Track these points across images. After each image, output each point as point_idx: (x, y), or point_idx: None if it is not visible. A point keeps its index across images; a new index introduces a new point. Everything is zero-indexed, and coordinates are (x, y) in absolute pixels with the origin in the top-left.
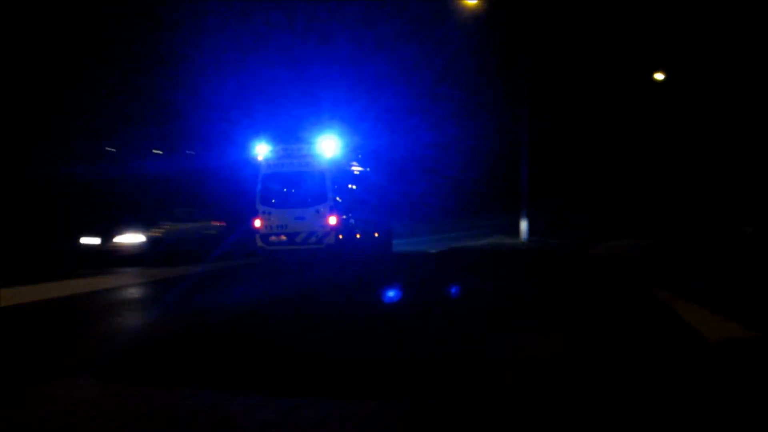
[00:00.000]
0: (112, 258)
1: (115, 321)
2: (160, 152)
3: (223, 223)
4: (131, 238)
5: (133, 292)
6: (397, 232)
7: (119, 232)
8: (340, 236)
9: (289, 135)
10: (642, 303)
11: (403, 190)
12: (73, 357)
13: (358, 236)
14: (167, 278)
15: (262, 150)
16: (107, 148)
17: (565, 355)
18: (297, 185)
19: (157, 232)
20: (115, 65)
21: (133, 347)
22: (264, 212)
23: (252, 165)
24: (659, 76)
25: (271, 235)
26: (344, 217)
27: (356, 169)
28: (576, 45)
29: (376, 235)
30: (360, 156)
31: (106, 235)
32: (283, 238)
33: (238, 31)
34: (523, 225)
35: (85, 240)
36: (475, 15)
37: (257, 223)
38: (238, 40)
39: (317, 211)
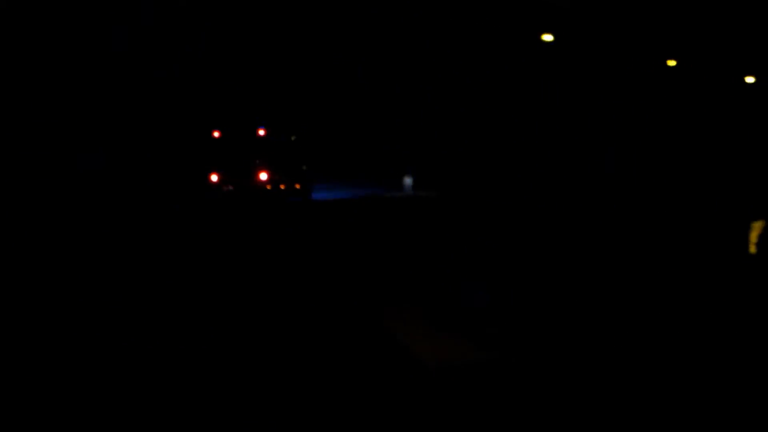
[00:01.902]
0: None
1: None
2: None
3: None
4: None
5: None
6: (318, 186)
7: None
8: (269, 186)
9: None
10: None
11: (321, 156)
12: None
13: (282, 186)
14: None
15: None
16: None
17: None
18: (245, 153)
19: None
20: None
21: None
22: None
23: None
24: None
25: (224, 185)
26: (273, 174)
27: (284, 141)
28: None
29: (298, 186)
30: (288, 132)
31: None
32: (231, 187)
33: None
34: (407, 180)
35: None
36: None
37: (213, 177)
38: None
39: (255, 169)
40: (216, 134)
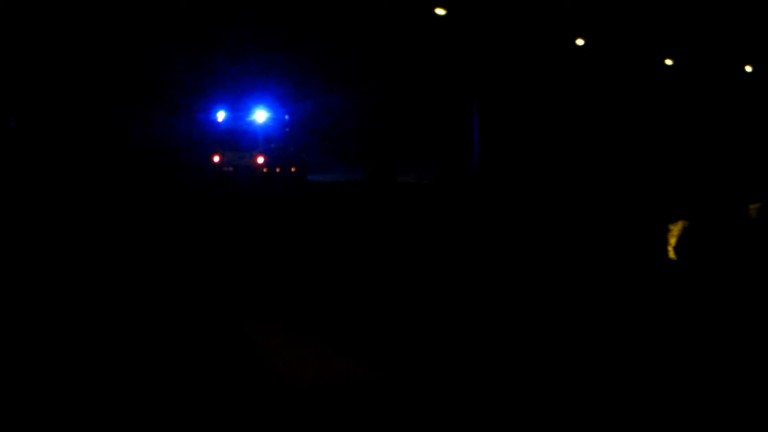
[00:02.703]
0: None
1: None
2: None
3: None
4: None
5: None
6: (314, 171)
7: None
8: (265, 169)
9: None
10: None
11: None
12: None
13: (278, 170)
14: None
15: (221, 115)
16: None
17: None
18: (241, 138)
19: None
20: None
21: None
22: (221, 153)
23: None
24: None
25: (224, 166)
26: (269, 158)
27: (282, 127)
28: None
29: (293, 169)
30: (287, 120)
31: None
32: (231, 168)
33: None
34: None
35: None
36: None
37: (216, 158)
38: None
39: (251, 154)
40: (220, 118)
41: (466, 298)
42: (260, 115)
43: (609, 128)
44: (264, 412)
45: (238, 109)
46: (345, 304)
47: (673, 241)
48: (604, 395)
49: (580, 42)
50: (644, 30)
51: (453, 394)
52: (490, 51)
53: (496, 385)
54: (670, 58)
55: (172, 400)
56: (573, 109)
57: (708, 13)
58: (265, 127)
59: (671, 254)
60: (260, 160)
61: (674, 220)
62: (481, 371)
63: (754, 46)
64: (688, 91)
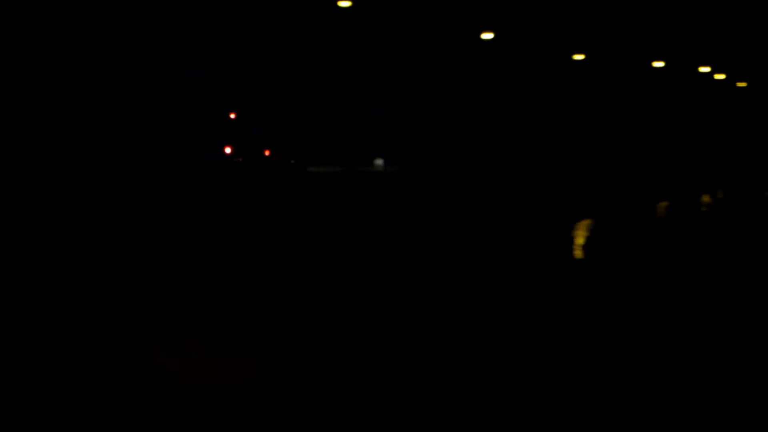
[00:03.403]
0: None
1: None
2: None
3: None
4: None
5: None
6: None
7: None
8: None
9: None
10: None
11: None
12: None
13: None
14: None
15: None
16: None
17: None
18: (254, 135)
19: None
20: None
21: None
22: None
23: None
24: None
25: (236, 157)
26: (274, 151)
27: (285, 127)
28: None
29: (292, 161)
30: (287, 119)
31: None
32: (241, 159)
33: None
34: (379, 161)
35: None
36: None
37: (227, 150)
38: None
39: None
40: (232, 116)
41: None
42: (267, 116)
43: (518, 126)
44: (140, 409)
45: (249, 111)
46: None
47: (579, 239)
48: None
49: (487, 36)
50: (554, 27)
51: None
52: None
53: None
54: (580, 53)
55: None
56: (480, 108)
57: (617, 12)
58: (270, 124)
59: (578, 252)
60: (267, 152)
61: (581, 219)
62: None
63: (666, 45)
64: (596, 90)
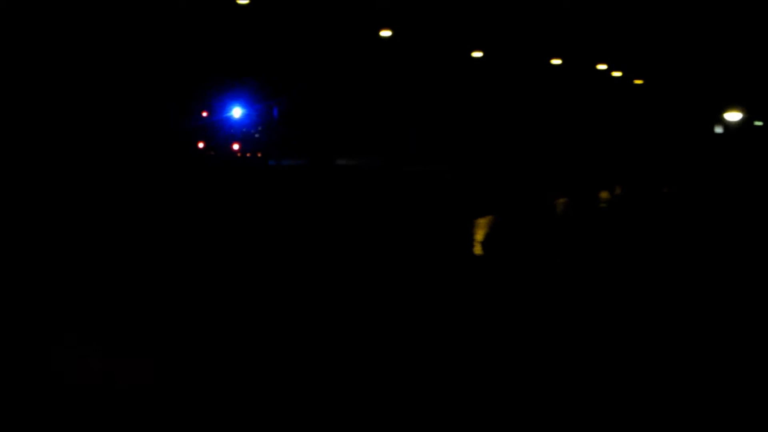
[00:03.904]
0: None
1: None
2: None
3: None
4: None
5: None
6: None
7: None
8: (239, 154)
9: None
10: None
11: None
12: None
13: (248, 154)
14: None
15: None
16: None
17: None
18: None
19: None
20: None
21: None
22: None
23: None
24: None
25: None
26: (242, 145)
27: (253, 124)
28: None
29: (259, 155)
30: (255, 116)
31: None
32: (213, 152)
33: None
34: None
35: None
36: None
37: (200, 144)
38: None
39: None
40: (204, 114)
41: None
42: (235, 114)
43: (418, 123)
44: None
45: (219, 110)
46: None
47: (480, 236)
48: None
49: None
50: (452, 25)
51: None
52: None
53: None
54: (479, 50)
55: None
56: (380, 104)
57: (514, 9)
58: (239, 122)
59: (478, 249)
60: (235, 146)
61: (482, 215)
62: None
63: (564, 43)
64: (495, 88)
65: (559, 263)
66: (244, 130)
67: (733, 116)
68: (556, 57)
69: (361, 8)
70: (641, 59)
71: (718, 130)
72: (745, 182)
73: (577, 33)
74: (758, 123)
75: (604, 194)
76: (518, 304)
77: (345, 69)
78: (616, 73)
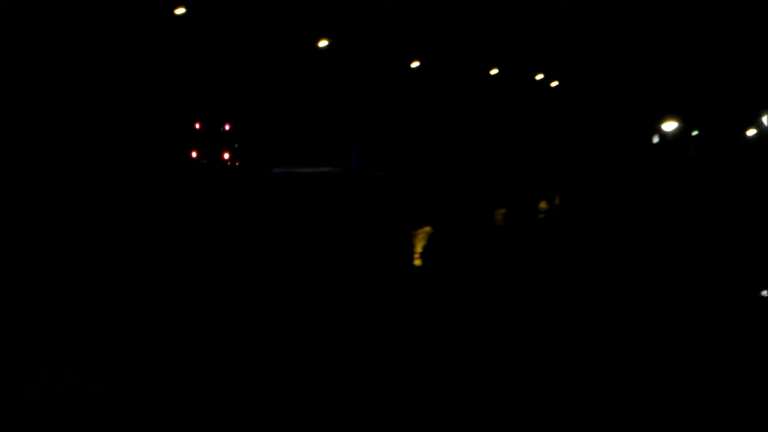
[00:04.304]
0: None
1: None
2: None
3: None
4: None
5: None
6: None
7: None
8: (228, 162)
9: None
10: None
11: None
12: None
13: (237, 164)
14: None
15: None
16: None
17: None
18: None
19: None
20: None
21: None
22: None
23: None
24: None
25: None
26: (232, 154)
27: (241, 135)
28: None
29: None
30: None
31: None
32: (205, 161)
33: None
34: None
35: None
36: None
37: (194, 154)
38: None
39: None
40: (197, 126)
41: None
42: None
43: (358, 132)
44: None
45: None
46: None
47: (419, 247)
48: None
49: (323, 43)
50: (390, 35)
51: None
52: None
53: None
54: (417, 60)
55: None
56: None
57: (451, 17)
58: (231, 132)
59: (416, 261)
60: (226, 156)
61: (420, 226)
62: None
63: (505, 54)
64: (433, 97)
65: (498, 274)
66: (233, 140)
67: (669, 126)
68: (497, 67)
69: (301, 20)
70: (579, 70)
71: (656, 139)
72: (681, 190)
73: (516, 43)
74: (695, 132)
75: (542, 204)
76: (455, 315)
77: (286, 79)
78: (554, 83)
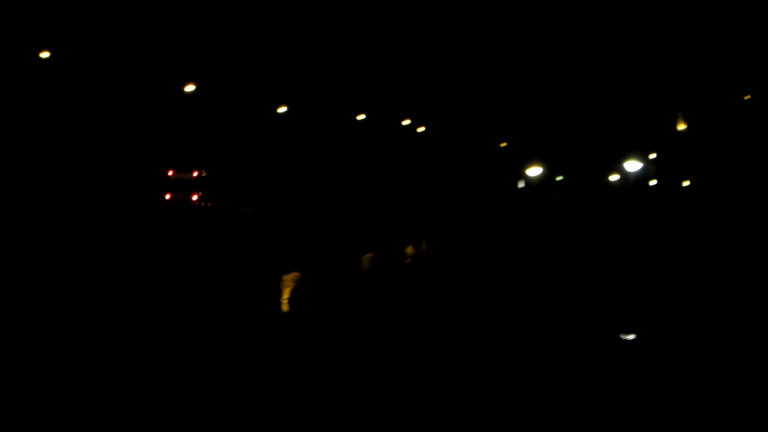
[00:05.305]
0: None
1: None
2: None
3: None
4: None
5: None
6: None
7: None
8: (197, 202)
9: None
10: None
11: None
12: None
13: (205, 204)
14: None
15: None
16: None
17: None
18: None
19: None
20: None
21: None
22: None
23: None
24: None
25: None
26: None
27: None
28: None
29: (210, 204)
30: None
31: None
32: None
33: None
34: None
35: None
36: None
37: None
38: None
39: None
40: (170, 173)
41: None
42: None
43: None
44: None
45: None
46: None
47: (286, 292)
48: None
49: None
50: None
51: None
52: None
53: None
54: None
55: None
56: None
57: (319, 63)
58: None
59: (284, 306)
60: (195, 197)
61: (288, 271)
62: None
63: (368, 99)
64: (301, 142)
65: (363, 318)
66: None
67: (534, 171)
68: (364, 112)
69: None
70: (445, 114)
71: (521, 185)
72: (545, 235)
73: (383, 89)
74: (559, 178)
75: (409, 249)
76: (321, 360)
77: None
78: (420, 129)
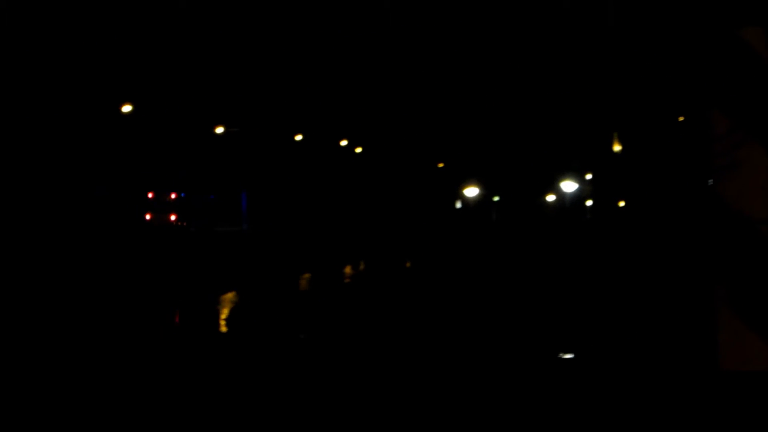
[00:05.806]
0: None
1: None
2: None
3: None
4: None
5: None
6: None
7: None
8: (174, 222)
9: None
10: None
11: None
12: None
13: (181, 223)
14: None
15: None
16: None
17: None
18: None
19: None
20: None
21: None
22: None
23: None
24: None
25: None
26: (177, 215)
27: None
28: None
29: (185, 224)
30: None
31: None
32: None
33: None
34: None
35: None
36: None
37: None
38: None
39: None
40: (150, 195)
41: None
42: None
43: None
44: None
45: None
46: None
47: (224, 312)
48: None
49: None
50: (198, 102)
51: None
52: None
53: None
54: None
55: None
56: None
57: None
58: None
59: (222, 327)
60: (173, 217)
61: (225, 291)
62: None
63: (305, 119)
64: (241, 163)
65: (303, 339)
66: (178, 205)
67: (471, 192)
68: (301, 133)
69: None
70: (382, 135)
71: (458, 204)
72: (482, 253)
73: (320, 110)
74: (496, 198)
75: (347, 269)
76: (261, 379)
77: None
78: (358, 149)
